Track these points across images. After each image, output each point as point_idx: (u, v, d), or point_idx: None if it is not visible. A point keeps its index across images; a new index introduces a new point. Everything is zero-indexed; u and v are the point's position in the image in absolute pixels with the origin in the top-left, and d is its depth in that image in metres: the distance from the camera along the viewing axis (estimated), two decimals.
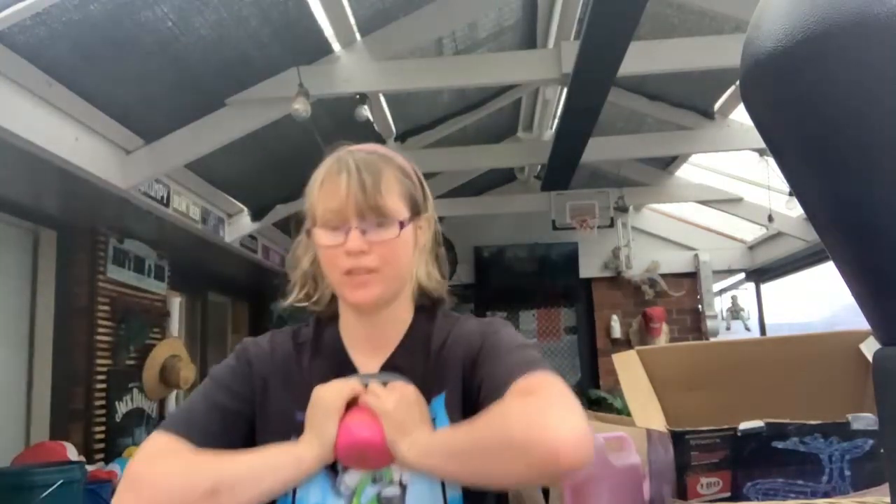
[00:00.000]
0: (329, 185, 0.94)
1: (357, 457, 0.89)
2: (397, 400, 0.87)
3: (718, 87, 4.51)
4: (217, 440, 0.90)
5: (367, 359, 0.99)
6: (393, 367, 0.96)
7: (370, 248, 0.91)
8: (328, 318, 1.03)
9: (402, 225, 0.94)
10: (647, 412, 1.52)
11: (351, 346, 1.00)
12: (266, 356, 0.99)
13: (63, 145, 2.67)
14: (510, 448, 0.77)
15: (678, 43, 3.57)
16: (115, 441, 3.81)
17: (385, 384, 0.91)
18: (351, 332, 1.01)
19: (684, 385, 1.72)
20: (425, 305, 1.02)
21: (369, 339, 0.99)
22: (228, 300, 6.35)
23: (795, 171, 0.45)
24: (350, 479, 0.91)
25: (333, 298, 1.02)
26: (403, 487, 0.90)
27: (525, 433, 0.76)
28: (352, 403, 0.90)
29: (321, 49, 3.22)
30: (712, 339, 6.14)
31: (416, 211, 0.98)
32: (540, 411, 0.77)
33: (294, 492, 0.90)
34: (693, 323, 6.72)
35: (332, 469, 0.91)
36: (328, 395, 0.89)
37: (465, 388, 0.93)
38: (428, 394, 0.93)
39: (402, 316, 1.01)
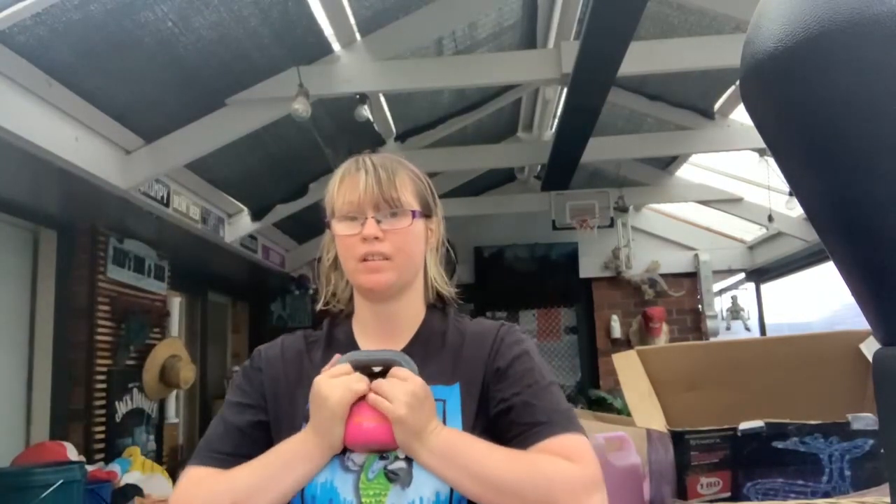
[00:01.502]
0: (348, 181, 1.01)
1: (365, 448, 0.93)
2: (408, 403, 0.90)
3: (718, 87, 4.51)
4: (239, 457, 0.97)
5: None
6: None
7: (384, 235, 0.99)
8: (342, 317, 1.09)
9: (414, 215, 1.01)
10: (647, 412, 1.52)
11: (363, 340, 1.06)
12: (276, 358, 1.06)
13: (63, 145, 2.67)
14: None
15: (678, 43, 3.57)
16: (115, 441, 3.81)
17: (385, 369, 0.94)
18: (364, 325, 1.06)
19: (684, 385, 1.72)
20: (437, 305, 1.09)
21: (382, 332, 1.05)
22: (228, 300, 6.35)
23: (795, 171, 0.45)
24: (358, 456, 0.95)
25: (351, 298, 1.08)
26: (409, 461, 0.94)
27: (568, 500, 0.87)
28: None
29: (321, 49, 3.22)
30: (712, 339, 6.14)
31: (427, 211, 1.05)
32: (585, 485, 0.89)
33: None
34: (693, 323, 6.72)
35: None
36: (333, 397, 0.91)
37: (483, 389, 0.98)
38: (439, 380, 0.98)
39: (414, 311, 1.07)
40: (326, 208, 1.04)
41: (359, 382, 0.92)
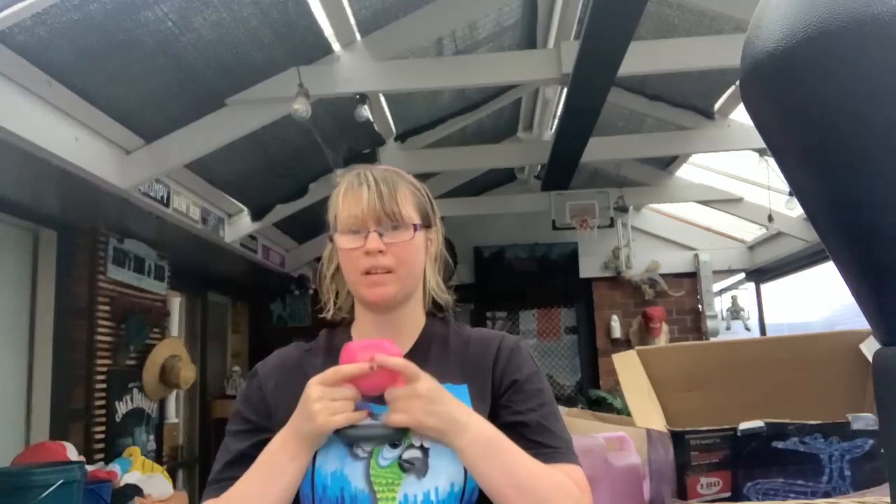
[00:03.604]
0: (350, 196, 1.04)
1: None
2: (426, 410, 0.91)
3: (718, 87, 4.51)
4: None
5: None
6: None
7: (387, 248, 1.01)
8: (341, 327, 1.12)
9: (415, 228, 1.03)
10: (647, 412, 1.52)
11: None
12: (277, 367, 1.08)
13: (63, 145, 2.67)
14: None
15: (678, 43, 3.57)
16: (115, 441, 3.81)
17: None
18: (365, 334, 1.08)
19: (684, 385, 1.72)
20: (437, 313, 1.12)
21: None
22: (228, 300, 6.35)
23: (795, 171, 0.45)
24: (366, 443, 0.97)
25: (353, 307, 1.11)
26: (425, 451, 0.95)
27: None
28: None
29: (321, 49, 3.22)
30: (712, 339, 6.14)
31: (427, 223, 1.08)
32: None
33: (314, 460, 0.96)
34: (693, 323, 6.72)
35: (349, 440, 0.97)
36: (320, 419, 0.92)
37: (494, 392, 1.02)
38: (447, 380, 1.00)
39: (415, 320, 1.09)
40: (329, 221, 1.07)
41: (355, 414, 0.93)
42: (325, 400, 0.91)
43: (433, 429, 0.91)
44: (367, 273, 1.01)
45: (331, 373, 0.93)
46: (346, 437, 0.94)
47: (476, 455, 0.91)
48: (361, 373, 0.91)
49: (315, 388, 0.93)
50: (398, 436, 0.94)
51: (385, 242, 1.01)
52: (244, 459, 1.01)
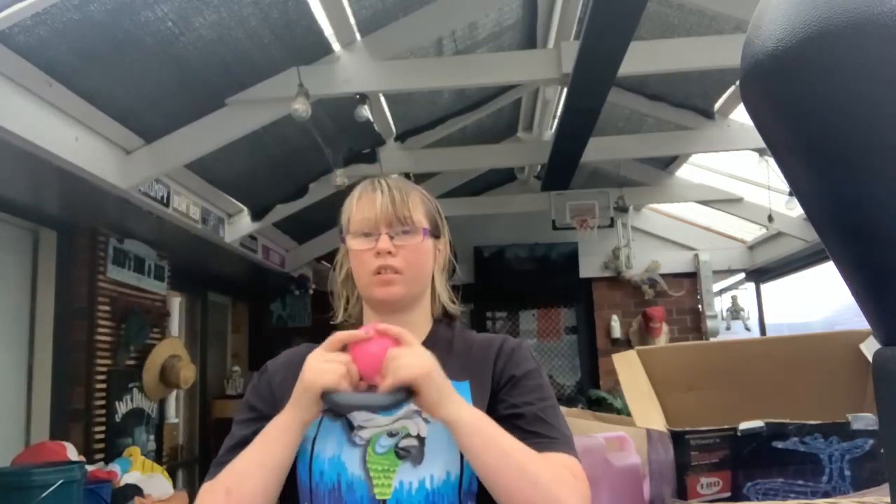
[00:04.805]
0: (364, 200, 1.09)
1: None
2: (430, 364, 0.93)
3: (718, 87, 4.51)
4: None
5: None
6: None
7: (396, 251, 1.06)
8: (349, 329, 1.13)
9: (425, 232, 1.08)
10: (647, 412, 1.53)
11: None
12: (286, 364, 1.11)
13: (63, 145, 2.67)
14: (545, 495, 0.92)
15: (678, 43, 3.57)
16: (115, 441, 3.81)
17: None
18: None
19: (684, 385, 1.72)
20: (443, 319, 1.15)
21: None
22: (228, 300, 6.35)
23: (795, 171, 0.45)
24: (365, 431, 0.98)
25: (361, 312, 1.14)
26: (421, 440, 0.97)
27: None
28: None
29: (321, 49, 3.22)
30: (712, 339, 6.14)
31: (436, 232, 1.13)
32: (585, 499, 0.94)
33: (313, 447, 0.99)
34: (693, 323, 6.72)
35: (349, 424, 0.99)
36: (318, 382, 0.93)
37: (493, 387, 1.04)
38: (449, 377, 1.00)
39: (421, 323, 1.12)
40: (342, 225, 1.12)
41: (343, 378, 0.93)
42: (318, 362, 0.94)
43: (431, 389, 0.91)
44: (377, 273, 1.05)
45: (327, 340, 0.96)
46: (334, 405, 0.92)
47: (472, 434, 0.91)
48: (359, 338, 0.95)
49: (311, 354, 0.96)
50: (396, 400, 0.90)
51: (395, 245, 1.05)
52: (247, 445, 1.02)
